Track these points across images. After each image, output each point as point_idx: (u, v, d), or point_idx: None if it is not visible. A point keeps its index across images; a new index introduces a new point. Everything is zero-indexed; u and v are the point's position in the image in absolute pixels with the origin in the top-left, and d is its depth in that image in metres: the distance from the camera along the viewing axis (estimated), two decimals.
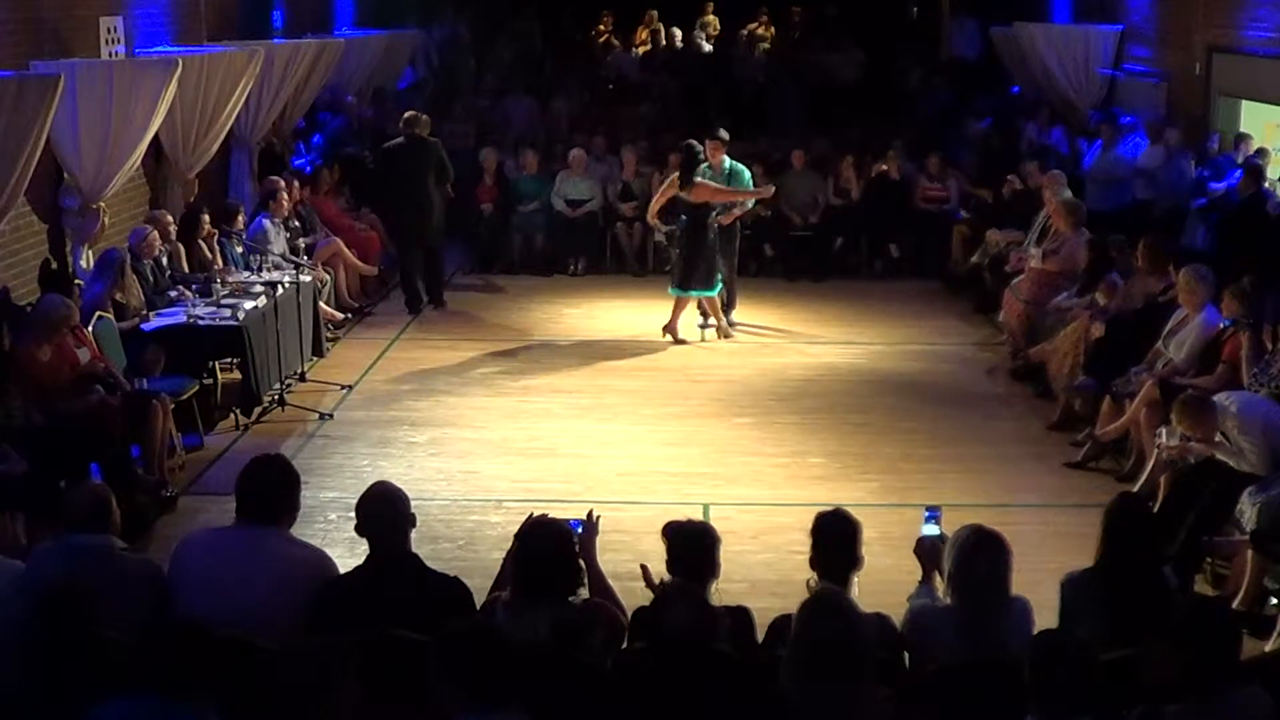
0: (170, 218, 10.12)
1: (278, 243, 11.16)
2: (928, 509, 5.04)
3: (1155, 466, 7.49)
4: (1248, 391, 7.17)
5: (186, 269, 10.16)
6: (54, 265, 9.23)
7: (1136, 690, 3.98)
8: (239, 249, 10.83)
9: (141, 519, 7.36)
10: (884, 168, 14.16)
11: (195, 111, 10.66)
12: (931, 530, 4.92)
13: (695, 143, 11.26)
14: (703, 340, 11.49)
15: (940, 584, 4.70)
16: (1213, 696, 3.75)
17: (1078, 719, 3.65)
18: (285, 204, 11.52)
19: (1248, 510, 6.39)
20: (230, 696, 3.78)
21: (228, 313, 9.27)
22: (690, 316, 11.61)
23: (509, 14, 20.36)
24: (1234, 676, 3.82)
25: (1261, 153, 11.36)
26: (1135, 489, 7.76)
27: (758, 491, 8.11)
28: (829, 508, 4.83)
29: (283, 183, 11.84)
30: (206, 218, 10.59)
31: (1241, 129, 12.30)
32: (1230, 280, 7.99)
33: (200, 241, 10.38)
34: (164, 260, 9.94)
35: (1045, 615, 4.64)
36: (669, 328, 11.39)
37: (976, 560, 4.43)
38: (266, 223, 11.19)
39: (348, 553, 5.95)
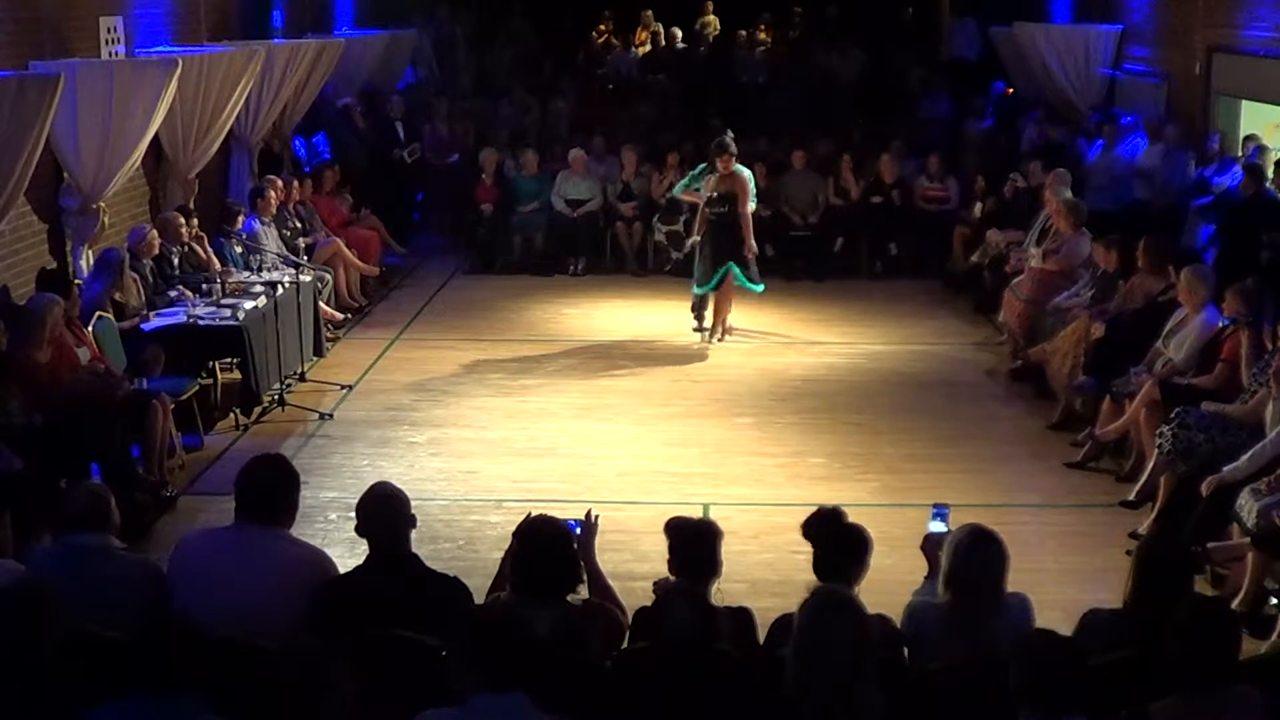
0: (182, 219, 10.12)
1: (270, 242, 11.17)
2: (935, 506, 5.04)
3: (1155, 467, 7.49)
4: None
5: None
6: (50, 267, 9.20)
7: (1132, 691, 3.97)
8: (238, 249, 10.83)
9: (141, 519, 7.36)
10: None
11: (195, 111, 10.66)
12: (939, 528, 4.92)
13: (725, 138, 11.18)
14: (702, 341, 11.49)
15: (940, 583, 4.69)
16: (1202, 695, 3.75)
17: (1067, 718, 3.65)
18: (273, 202, 11.53)
19: (1248, 504, 6.38)
20: (228, 696, 3.78)
21: (228, 313, 9.28)
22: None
23: (506, 14, 20.37)
24: (1231, 676, 3.82)
25: (1262, 150, 11.35)
26: (1135, 490, 7.79)
27: (758, 491, 8.11)
28: (825, 506, 4.83)
29: (279, 182, 11.85)
30: (187, 220, 10.46)
31: (1242, 129, 12.30)
32: (1232, 280, 7.99)
33: (193, 243, 10.34)
34: (175, 260, 9.95)
35: (1045, 615, 4.64)
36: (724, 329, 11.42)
37: (973, 559, 4.42)
38: (256, 223, 11.21)
39: (348, 553, 5.96)
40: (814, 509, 4.86)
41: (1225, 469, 6.73)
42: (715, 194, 11.03)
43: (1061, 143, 14.06)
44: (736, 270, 11.10)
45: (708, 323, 11.57)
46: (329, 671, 3.55)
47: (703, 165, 11.29)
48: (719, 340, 11.38)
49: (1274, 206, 10.57)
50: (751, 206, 11.27)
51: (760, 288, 11.32)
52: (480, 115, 17.04)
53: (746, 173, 11.30)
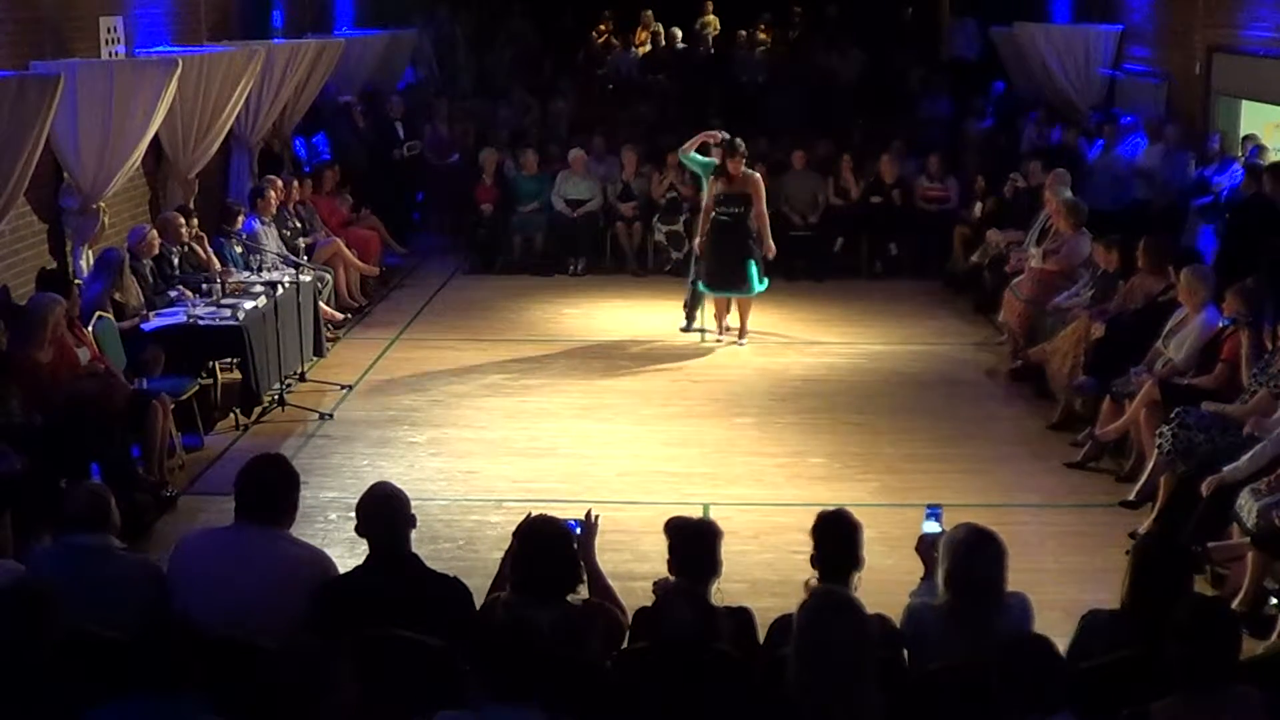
0: (182, 219, 10.12)
1: (270, 242, 11.17)
2: (929, 507, 5.04)
3: (1155, 467, 7.49)
4: None
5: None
6: (50, 267, 9.21)
7: (1132, 691, 3.97)
8: (238, 249, 10.83)
9: (141, 519, 7.36)
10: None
11: (195, 111, 10.66)
12: (933, 528, 4.91)
13: (736, 140, 11.23)
14: (702, 341, 11.50)
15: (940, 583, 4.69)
16: (1203, 695, 3.75)
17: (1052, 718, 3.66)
18: (272, 202, 11.54)
19: (1248, 504, 6.38)
20: (228, 696, 3.78)
21: (228, 313, 9.28)
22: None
23: (506, 14, 20.38)
24: (1231, 676, 3.82)
25: (1261, 150, 11.34)
26: (1135, 490, 7.79)
27: (758, 491, 8.10)
28: (829, 507, 4.83)
29: (279, 182, 11.86)
30: (186, 220, 10.42)
31: (1242, 129, 12.30)
32: (1232, 280, 7.99)
33: (193, 243, 10.34)
34: (175, 260, 9.95)
35: (1044, 615, 4.63)
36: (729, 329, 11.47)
37: (973, 559, 4.42)
38: (256, 223, 11.21)
39: (348, 553, 5.96)
40: (815, 509, 4.85)
41: (1225, 469, 6.73)
42: (725, 194, 11.05)
43: (1070, 145, 13.91)
44: (752, 266, 11.14)
45: (700, 322, 11.60)
46: (330, 671, 3.55)
47: (713, 161, 11.29)
48: (743, 343, 11.36)
49: (1274, 207, 10.57)
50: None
51: (763, 285, 11.34)
52: (480, 115, 17.04)
53: (756, 174, 11.34)
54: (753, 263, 11.12)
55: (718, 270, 11.26)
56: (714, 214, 11.14)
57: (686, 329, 11.64)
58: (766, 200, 12.64)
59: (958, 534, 4.51)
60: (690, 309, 11.69)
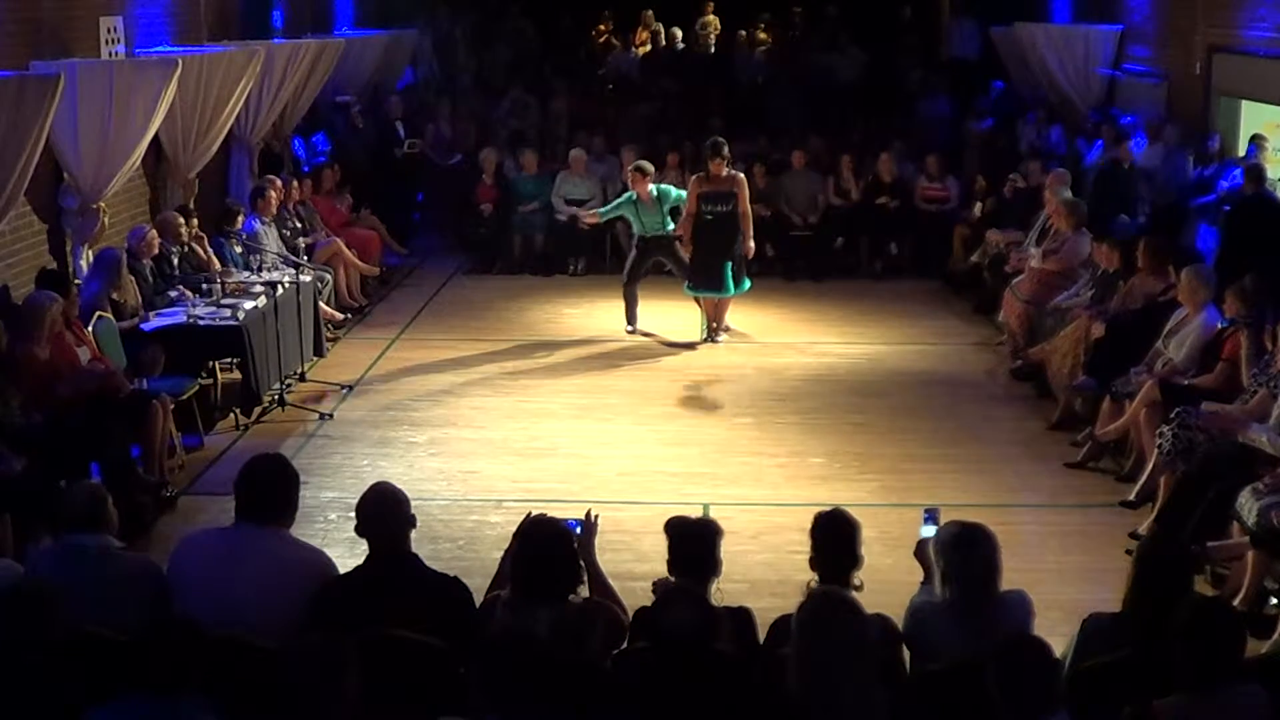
0: (182, 219, 10.12)
1: (270, 242, 11.17)
2: (926, 510, 5.04)
3: (1155, 467, 7.49)
4: None
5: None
6: (50, 267, 9.21)
7: (1134, 690, 3.97)
8: (238, 249, 10.83)
9: (141, 519, 7.36)
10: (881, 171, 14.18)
11: (195, 111, 10.66)
12: (930, 532, 4.91)
13: (719, 139, 11.32)
14: (705, 341, 11.51)
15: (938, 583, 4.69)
16: (1207, 694, 3.75)
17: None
18: (273, 202, 11.54)
19: (1248, 504, 6.38)
20: (228, 697, 3.78)
21: (228, 313, 9.28)
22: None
23: (506, 14, 20.39)
24: (1235, 675, 3.82)
25: (1260, 149, 11.30)
26: (1135, 490, 7.79)
27: (758, 491, 8.10)
28: (827, 508, 4.83)
29: (279, 182, 11.85)
30: (186, 220, 10.41)
31: (1242, 129, 12.29)
32: (1233, 279, 8.00)
33: (193, 243, 10.33)
34: (174, 260, 9.95)
35: (1045, 614, 4.63)
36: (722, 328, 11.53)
37: (966, 554, 4.42)
38: (256, 224, 11.21)
39: (348, 553, 5.95)
40: (814, 509, 4.85)
41: (1254, 426, 6.76)
42: (709, 193, 11.06)
43: (1125, 161, 13.30)
44: (729, 268, 11.15)
45: (702, 327, 11.60)
46: (337, 671, 3.56)
47: (629, 194, 11.45)
48: (718, 341, 11.39)
49: (1274, 206, 10.56)
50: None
51: (744, 287, 11.38)
52: (480, 115, 17.04)
53: (739, 174, 11.37)
54: (730, 264, 11.14)
55: (697, 270, 11.30)
56: (699, 213, 11.14)
57: (633, 330, 11.68)
58: (767, 200, 12.68)
59: (946, 532, 4.52)
60: (632, 308, 11.74)
